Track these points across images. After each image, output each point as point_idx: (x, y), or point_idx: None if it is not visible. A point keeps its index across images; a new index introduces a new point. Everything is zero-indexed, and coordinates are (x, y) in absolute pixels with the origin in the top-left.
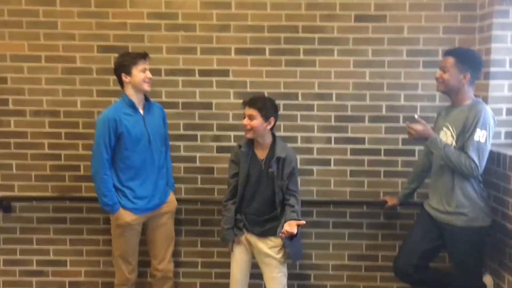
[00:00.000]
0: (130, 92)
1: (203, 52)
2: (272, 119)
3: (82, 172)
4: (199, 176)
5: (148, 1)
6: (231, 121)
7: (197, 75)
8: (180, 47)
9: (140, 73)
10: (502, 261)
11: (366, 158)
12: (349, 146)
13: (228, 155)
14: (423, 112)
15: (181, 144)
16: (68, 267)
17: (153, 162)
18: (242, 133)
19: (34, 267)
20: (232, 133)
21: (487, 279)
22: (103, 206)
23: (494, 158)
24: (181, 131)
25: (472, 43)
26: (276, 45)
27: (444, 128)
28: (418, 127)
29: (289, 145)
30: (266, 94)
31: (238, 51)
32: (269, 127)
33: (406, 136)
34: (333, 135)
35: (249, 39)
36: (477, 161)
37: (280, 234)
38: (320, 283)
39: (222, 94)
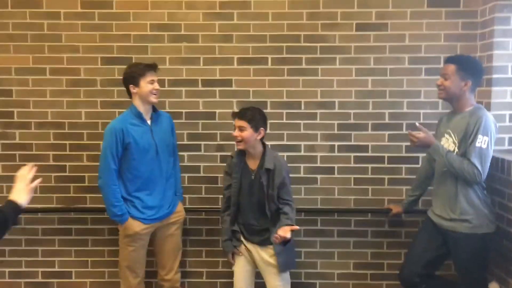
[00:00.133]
0: (137, 102)
1: (206, 62)
2: (262, 130)
3: (86, 183)
4: (203, 186)
5: (151, 13)
6: None
7: (200, 85)
8: (183, 58)
9: (147, 85)
10: (508, 268)
11: (369, 166)
12: (352, 154)
13: None
14: (426, 119)
15: (185, 154)
16: (74, 279)
17: (161, 172)
18: None
19: (40, 279)
20: (235, 143)
21: (493, 286)
22: (112, 217)
23: (498, 164)
24: (185, 141)
25: (473, 50)
26: (278, 55)
27: (446, 135)
28: (420, 134)
29: (292, 154)
30: (268, 104)
31: (241, 61)
32: (259, 137)
33: (409, 143)
34: (336, 143)
35: (252, 49)
36: (479, 167)
37: (273, 239)
38: None
39: (225, 104)
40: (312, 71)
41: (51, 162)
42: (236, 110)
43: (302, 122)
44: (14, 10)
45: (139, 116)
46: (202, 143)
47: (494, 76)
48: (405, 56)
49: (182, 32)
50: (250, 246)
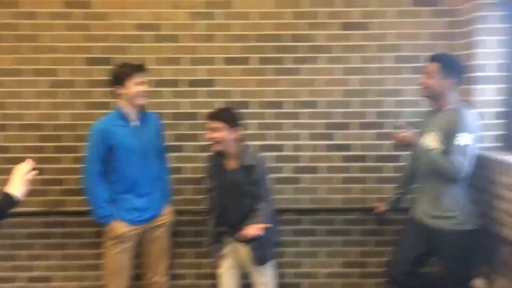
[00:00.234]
0: (123, 104)
1: (188, 62)
2: (237, 129)
3: (66, 186)
4: (188, 187)
5: (133, 12)
6: None
7: (183, 85)
8: (165, 58)
9: (134, 87)
10: (492, 265)
11: (354, 165)
12: (337, 153)
13: None
14: (409, 118)
15: (169, 155)
16: (56, 283)
17: (147, 174)
18: None
19: (22, 283)
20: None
21: (478, 283)
22: (98, 218)
23: (481, 162)
24: (169, 142)
25: (456, 48)
26: (262, 54)
27: (429, 133)
28: (405, 133)
29: (276, 153)
30: (252, 104)
31: (225, 61)
32: (235, 137)
33: (393, 142)
34: (320, 142)
35: (235, 49)
36: (461, 164)
37: (237, 236)
38: None
39: (209, 104)
40: (296, 70)
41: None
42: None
43: (286, 121)
44: None
45: (124, 117)
46: (187, 144)
47: (476, 74)
48: (389, 55)
49: (164, 32)
50: (237, 245)
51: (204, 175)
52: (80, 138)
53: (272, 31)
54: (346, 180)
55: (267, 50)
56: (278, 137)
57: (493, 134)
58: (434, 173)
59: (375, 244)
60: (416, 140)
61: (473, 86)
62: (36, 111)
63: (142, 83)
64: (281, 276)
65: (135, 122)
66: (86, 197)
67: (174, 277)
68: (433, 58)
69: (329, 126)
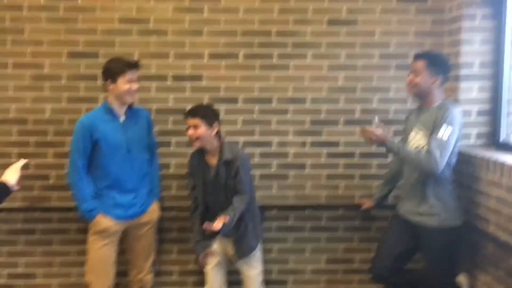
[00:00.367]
0: (111, 99)
1: (176, 57)
2: (215, 125)
3: (52, 181)
4: (174, 183)
5: (119, 5)
6: None
7: (170, 80)
8: (152, 52)
9: (124, 84)
10: (476, 261)
11: (341, 161)
12: (324, 150)
13: None
14: (395, 115)
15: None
16: (39, 279)
17: (133, 170)
18: None
19: (4, 280)
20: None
21: (462, 279)
22: (81, 213)
23: (466, 159)
24: (155, 138)
25: (441, 46)
26: (249, 50)
27: (415, 130)
28: (378, 131)
29: (264, 150)
30: (239, 99)
31: (211, 56)
32: (214, 133)
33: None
34: (308, 139)
35: (222, 44)
36: (437, 157)
37: (204, 226)
38: None
39: (195, 99)
40: (284, 66)
41: (14, 160)
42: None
43: (273, 117)
44: None
45: (111, 112)
46: (173, 139)
47: (462, 72)
48: (375, 52)
49: (151, 26)
50: (224, 241)
51: (187, 175)
52: (65, 133)
53: (259, 26)
54: (332, 177)
55: (255, 45)
56: (265, 133)
57: (478, 132)
58: (418, 169)
59: (361, 240)
60: (387, 138)
61: (459, 84)
62: (20, 104)
63: (133, 80)
64: (267, 272)
65: (122, 118)
66: (71, 192)
67: (159, 273)
68: (420, 56)
69: (315, 122)
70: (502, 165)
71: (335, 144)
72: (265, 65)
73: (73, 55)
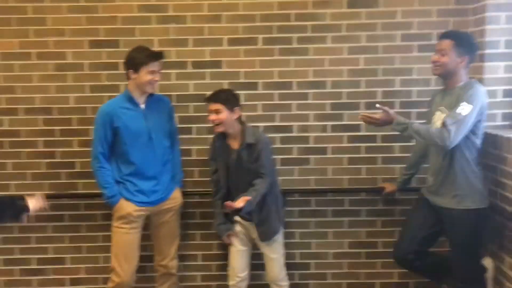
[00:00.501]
0: (132, 87)
1: (195, 44)
2: (237, 109)
3: (78, 169)
4: (196, 169)
5: None
6: None
7: (190, 67)
8: (171, 39)
9: (147, 75)
10: (501, 243)
11: (363, 145)
12: (345, 134)
13: None
14: (418, 97)
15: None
16: (68, 265)
17: (155, 157)
18: None
19: (35, 266)
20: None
21: (487, 262)
22: (104, 199)
23: (490, 140)
24: (176, 125)
25: (466, 25)
26: (268, 34)
27: (440, 111)
28: (376, 115)
29: (285, 135)
30: (259, 85)
31: (231, 42)
32: (235, 117)
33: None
34: (329, 123)
35: (241, 29)
36: (451, 131)
37: (225, 204)
38: (320, 272)
39: (215, 85)
40: (303, 50)
41: (41, 149)
42: None
43: (294, 102)
44: None
45: (131, 100)
46: (194, 126)
47: (487, 51)
48: (397, 33)
49: (170, 13)
50: (246, 224)
51: (209, 159)
52: (88, 121)
53: (278, 10)
54: (354, 161)
55: (274, 30)
56: (286, 118)
57: (504, 112)
58: (445, 152)
59: (384, 224)
60: (393, 117)
61: (483, 64)
62: (45, 94)
63: (156, 72)
64: (290, 256)
65: (142, 105)
66: (95, 179)
67: (183, 258)
68: (446, 35)
69: (337, 106)
70: None
71: (357, 127)
72: (285, 49)
73: (94, 44)
